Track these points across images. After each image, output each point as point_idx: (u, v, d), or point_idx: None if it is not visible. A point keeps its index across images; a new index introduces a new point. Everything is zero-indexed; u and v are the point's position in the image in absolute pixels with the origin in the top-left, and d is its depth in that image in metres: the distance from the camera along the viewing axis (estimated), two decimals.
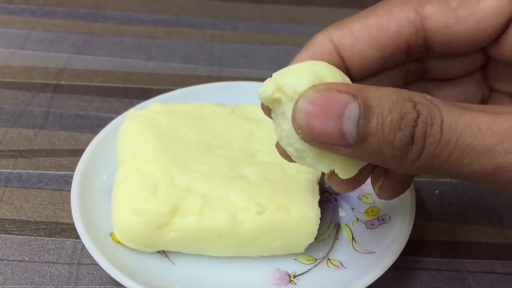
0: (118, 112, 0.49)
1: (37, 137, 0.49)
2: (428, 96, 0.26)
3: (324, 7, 0.72)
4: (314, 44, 0.30)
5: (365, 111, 0.24)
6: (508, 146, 0.24)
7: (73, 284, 0.38)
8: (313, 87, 0.25)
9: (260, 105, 0.45)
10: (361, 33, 0.30)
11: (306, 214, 0.38)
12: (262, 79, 0.53)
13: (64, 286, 0.38)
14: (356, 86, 0.25)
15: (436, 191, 0.46)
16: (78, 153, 0.43)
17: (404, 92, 0.25)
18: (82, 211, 0.39)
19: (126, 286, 0.35)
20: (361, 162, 0.29)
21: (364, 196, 0.44)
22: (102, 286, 0.38)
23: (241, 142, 0.42)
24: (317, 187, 0.40)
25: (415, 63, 0.32)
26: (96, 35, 0.64)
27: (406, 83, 0.33)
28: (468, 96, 0.33)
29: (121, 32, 0.65)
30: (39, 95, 0.54)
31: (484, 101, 0.33)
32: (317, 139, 0.25)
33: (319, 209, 0.38)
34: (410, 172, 0.27)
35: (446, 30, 0.29)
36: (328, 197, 0.44)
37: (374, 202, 0.43)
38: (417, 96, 0.25)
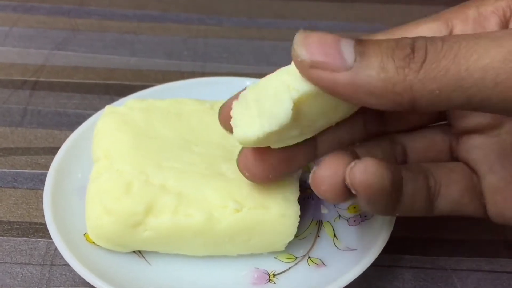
0: (98, 109, 0.48)
1: (14, 135, 0.48)
2: None
3: (311, 1, 0.71)
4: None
5: (360, 41, 0.25)
6: None
7: (45, 285, 0.37)
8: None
9: None
10: None
11: (285, 211, 0.37)
12: (245, 75, 0.54)
13: (36, 287, 0.37)
14: None
15: None
16: (55, 151, 0.42)
17: None
18: (54, 211, 0.38)
19: (98, 287, 0.34)
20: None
21: None
22: None
23: (219, 139, 0.41)
24: (297, 184, 0.39)
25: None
26: (78, 31, 0.63)
27: (368, 136, 0.35)
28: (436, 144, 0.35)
29: (104, 28, 0.64)
30: (17, 92, 0.53)
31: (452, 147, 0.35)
32: (315, 61, 0.25)
33: (298, 206, 0.37)
34: (420, 92, 0.25)
35: None
36: (310, 193, 0.43)
37: None
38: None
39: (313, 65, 0.25)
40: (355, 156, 0.31)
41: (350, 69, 0.25)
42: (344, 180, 0.29)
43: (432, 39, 0.25)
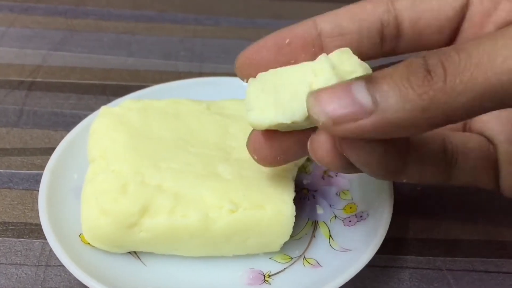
0: (94, 110, 0.48)
1: (10, 136, 0.48)
2: None
3: (309, 1, 0.71)
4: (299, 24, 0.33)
5: (370, 80, 0.25)
6: None
7: (40, 286, 0.37)
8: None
9: (235, 102, 0.45)
10: (343, 12, 0.32)
11: (281, 211, 0.37)
12: None
13: None
14: None
15: (418, 188, 0.45)
16: (51, 151, 0.42)
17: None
18: (50, 211, 0.38)
19: None
20: None
21: (343, 192, 0.43)
22: None
23: (216, 139, 0.41)
24: (292, 184, 0.39)
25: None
26: (75, 32, 0.63)
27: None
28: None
29: (101, 28, 0.64)
30: (14, 92, 0.53)
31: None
32: (336, 119, 0.25)
33: (294, 206, 0.37)
34: (452, 110, 0.24)
35: (413, 8, 0.31)
36: (306, 194, 0.43)
37: (352, 199, 0.42)
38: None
39: (336, 122, 0.25)
40: None
41: (372, 113, 0.24)
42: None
43: (444, 52, 0.24)
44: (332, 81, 0.27)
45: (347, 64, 0.28)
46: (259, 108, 0.30)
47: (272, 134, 0.32)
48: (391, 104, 0.24)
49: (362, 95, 0.24)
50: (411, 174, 0.30)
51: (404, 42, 0.32)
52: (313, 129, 0.30)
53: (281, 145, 0.32)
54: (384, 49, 0.33)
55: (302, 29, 0.32)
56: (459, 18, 0.31)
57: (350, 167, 0.29)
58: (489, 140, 0.33)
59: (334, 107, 0.24)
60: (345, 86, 0.25)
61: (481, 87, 0.23)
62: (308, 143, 0.30)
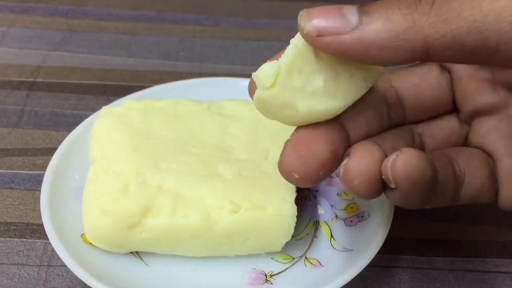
0: (95, 110, 0.48)
1: (11, 136, 0.48)
2: None
3: (308, 2, 0.71)
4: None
5: (362, 5, 0.25)
6: None
7: (42, 286, 0.37)
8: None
9: (236, 102, 0.45)
10: None
11: (282, 211, 0.37)
12: (243, 75, 0.54)
13: None
14: None
15: None
16: (52, 152, 0.42)
17: None
18: (51, 212, 0.38)
19: None
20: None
21: (344, 192, 0.43)
22: None
23: (217, 140, 0.41)
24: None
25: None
26: (75, 32, 0.63)
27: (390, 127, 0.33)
28: (451, 131, 0.34)
29: (100, 29, 0.64)
30: (14, 93, 0.53)
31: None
32: (320, 28, 0.25)
33: (295, 207, 0.37)
34: (432, 38, 0.24)
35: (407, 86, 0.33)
36: (307, 194, 0.43)
37: (353, 199, 0.42)
38: None
39: (319, 34, 0.25)
40: (382, 148, 0.29)
41: (355, 28, 0.25)
42: (378, 173, 0.27)
43: None
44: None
45: None
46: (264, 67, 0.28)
47: (304, 146, 0.29)
48: (373, 22, 0.24)
49: (351, 14, 0.25)
50: (434, 202, 0.30)
51: (410, 115, 0.33)
52: (340, 134, 0.30)
53: (317, 155, 0.29)
54: (391, 121, 0.33)
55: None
56: (448, 86, 0.33)
57: (380, 194, 0.29)
58: (489, 154, 0.32)
59: (321, 19, 0.25)
60: (338, 6, 0.25)
61: (465, 20, 0.23)
62: (341, 170, 0.29)
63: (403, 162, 0.26)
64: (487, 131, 0.32)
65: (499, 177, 0.32)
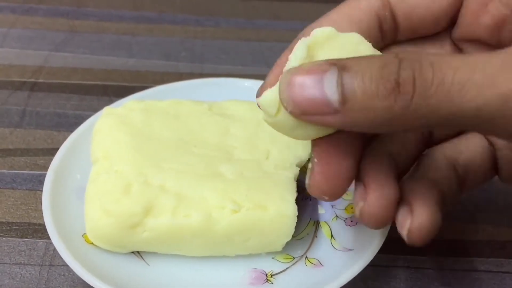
0: (96, 110, 0.48)
1: (13, 136, 0.48)
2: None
3: (308, 2, 0.71)
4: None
5: (344, 72, 0.24)
6: (504, 79, 0.23)
7: (43, 286, 0.37)
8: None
9: (237, 102, 0.45)
10: (338, 16, 0.32)
11: (283, 211, 0.37)
12: (243, 76, 0.54)
13: None
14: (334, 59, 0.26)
15: None
16: (54, 152, 0.42)
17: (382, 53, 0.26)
18: (53, 211, 0.38)
19: None
20: None
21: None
22: None
23: (218, 140, 0.42)
24: (294, 184, 0.39)
25: None
26: (76, 33, 0.63)
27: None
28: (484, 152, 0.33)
29: (101, 29, 0.64)
30: (16, 93, 0.53)
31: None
32: (303, 110, 0.25)
33: (296, 206, 0.37)
34: (410, 125, 0.25)
35: (404, 2, 0.32)
36: (308, 194, 0.43)
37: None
38: (395, 51, 0.26)
39: (303, 113, 0.26)
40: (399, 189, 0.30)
41: (338, 112, 0.25)
42: (392, 215, 0.30)
43: (420, 63, 0.24)
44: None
45: (332, 42, 0.28)
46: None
47: (328, 166, 0.30)
48: (356, 107, 0.24)
49: (331, 91, 0.24)
50: None
51: (402, 34, 0.33)
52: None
53: (345, 177, 0.30)
54: (385, 42, 0.33)
55: None
56: (455, 7, 0.32)
57: None
58: (489, 141, 0.33)
59: (302, 98, 0.25)
60: (318, 73, 0.25)
61: (442, 115, 0.24)
62: (357, 212, 0.30)
63: (418, 228, 0.29)
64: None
65: (499, 163, 0.33)
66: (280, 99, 0.26)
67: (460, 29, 0.32)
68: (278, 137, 0.42)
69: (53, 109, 0.52)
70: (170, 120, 0.43)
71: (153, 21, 0.66)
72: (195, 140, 0.41)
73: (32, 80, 0.55)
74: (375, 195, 0.29)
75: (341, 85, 0.24)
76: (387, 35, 0.33)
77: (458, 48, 0.33)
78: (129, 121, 0.42)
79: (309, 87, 0.25)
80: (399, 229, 0.30)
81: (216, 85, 0.50)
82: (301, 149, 0.41)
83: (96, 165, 0.40)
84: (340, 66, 0.25)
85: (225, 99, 0.46)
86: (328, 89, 0.24)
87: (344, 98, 0.24)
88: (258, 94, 0.31)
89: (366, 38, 0.29)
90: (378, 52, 0.29)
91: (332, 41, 0.28)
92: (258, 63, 0.60)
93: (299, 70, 0.25)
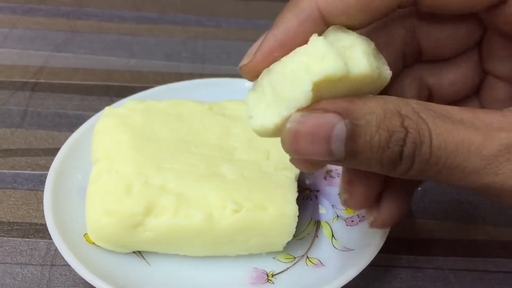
0: (97, 110, 0.48)
1: (14, 136, 0.48)
2: (416, 106, 0.25)
3: None
4: (300, 8, 0.28)
5: (352, 131, 0.24)
6: (495, 168, 0.25)
7: (45, 286, 0.37)
8: (299, 110, 0.25)
9: (237, 102, 0.45)
10: None
11: (284, 211, 0.37)
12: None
13: (36, 287, 0.37)
14: (343, 101, 0.25)
15: (419, 188, 0.46)
16: (55, 152, 0.42)
17: (391, 104, 0.25)
18: (55, 211, 0.38)
19: (98, 287, 0.34)
20: None
21: None
22: None
23: (218, 140, 0.42)
24: (295, 184, 0.39)
25: (412, 46, 0.32)
26: (77, 33, 0.63)
27: (404, 67, 0.33)
28: (464, 81, 0.33)
29: (103, 30, 0.64)
30: (17, 93, 0.53)
31: (479, 84, 0.33)
32: (305, 158, 0.26)
33: (297, 207, 0.37)
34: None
35: None
36: (308, 194, 0.44)
37: None
38: (405, 108, 0.25)
39: (304, 158, 0.26)
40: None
41: (340, 162, 0.26)
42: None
43: (422, 141, 0.25)
44: (330, 56, 0.25)
45: (345, 39, 0.27)
46: (261, 111, 0.28)
47: (357, 188, 0.32)
48: (358, 164, 0.26)
49: (338, 150, 0.25)
50: None
51: (425, 57, 0.32)
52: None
53: (372, 194, 0.32)
54: (405, 64, 0.32)
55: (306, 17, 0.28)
56: (479, 34, 0.31)
57: None
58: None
59: (307, 148, 0.25)
60: (326, 129, 0.25)
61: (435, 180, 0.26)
62: (341, 199, 0.33)
63: (380, 223, 0.33)
64: None
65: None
66: (283, 147, 0.26)
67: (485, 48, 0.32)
68: (278, 138, 0.42)
69: (54, 109, 0.52)
70: (171, 120, 0.43)
71: (154, 22, 0.66)
72: (196, 140, 0.41)
73: (33, 80, 0.55)
74: (359, 192, 0.31)
75: (347, 145, 0.25)
76: (409, 59, 0.32)
77: (482, 69, 0.33)
78: (130, 121, 0.42)
79: (316, 144, 0.25)
80: (366, 214, 0.33)
81: (216, 85, 0.50)
82: None
83: (97, 165, 0.40)
84: (349, 121, 0.24)
85: (226, 99, 0.46)
86: (335, 146, 0.25)
87: (349, 155, 0.25)
88: (241, 64, 0.30)
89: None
90: (364, 37, 0.27)
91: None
92: None
93: (306, 121, 0.25)
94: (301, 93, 0.25)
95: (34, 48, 0.60)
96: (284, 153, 0.40)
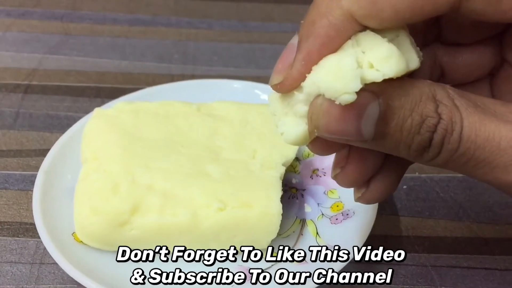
0: (89, 112, 0.49)
1: (6, 137, 0.49)
2: (451, 92, 0.25)
3: (301, 4, 0.72)
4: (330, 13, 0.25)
5: (386, 112, 0.24)
6: None
7: (34, 283, 0.38)
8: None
9: (225, 103, 0.46)
10: None
11: (268, 209, 0.38)
12: (235, 77, 0.55)
13: (25, 285, 0.38)
14: (380, 84, 0.24)
15: (404, 186, 0.46)
16: (46, 153, 0.43)
17: (427, 88, 0.25)
18: (43, 211, 0.39)
19: (85, 285, 0.35)
20: None
21: (330, 191, 0.44)
22: (63, 286, 0.38)
23: (205, 140, 0.42)
24: (280, 183, 0.40)
25: (432, 27, 0.31)
26: (71, 36, 0.64)
27: (422, 45, 0.31)
28: (480, 64, 0.32)
29: (95, 32, 0.65)
30: (10, 95, 0.54)
31: (494, 69, 0.32)
32: (333, 136, 0.25)
33: (281, 205, 0.38)
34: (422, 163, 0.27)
35: None
36: (294, 193, 0.44)
37: (339, 197, 0.43)
38: (440, 93, 0.25)
39: (331, 136, 0.25)
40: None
41: (366, 142, 0.25)
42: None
43: (452, 129, 0.24)
44: (395, 55, 0.24)
45: (386, 34, 0.25)
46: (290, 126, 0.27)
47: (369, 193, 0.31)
48: (384, 147, 0.25)
49: (368, 128, 0.24)
50: None
51: (448, 81, 0.32)
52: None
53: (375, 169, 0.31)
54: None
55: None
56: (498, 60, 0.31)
57: None
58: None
59: (337, 129, 0.24)
60: (359, 108, 0.24)
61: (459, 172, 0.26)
62: (333, 174, 0.31)
63: (366, 199, 0.31)
64: None
65: None
66: (312, 122, 0.25)
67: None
68: (265, 137, 0.43)
69: (46, 111, 0.52)
70: (159, 121, 0.43)
71: (147, 24, 0.67)
72: (183, 140, 0.42)
73: (26, 82, 0.56)
74: (351, 167, 0.30)
75: (378, 126, 0.24)
76: (428, 37, 0.31)
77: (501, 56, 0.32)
78: (118, 122, 0.43)
79: (347, 121, 0.24)
80: (354, 188, 0.31)
81: (206, 86, 0.51)
82: (287, 149, 0.42)
83: (86, 165, 0.41)
84: (384, 101, 0.24)
85: (215, 100, 0.47)
86: (365, 125, 0.24)
87: (377, 136, 0.25)
88: (271, 82, 0.27)
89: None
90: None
91: None
92: (250, 65, 0.61)
93: (333, 107, 0.24)
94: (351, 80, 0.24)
95: (27, 50, 0.61)
96: (270, 152, 0.42)
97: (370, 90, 0.24)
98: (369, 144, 0.25)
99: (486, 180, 0.25)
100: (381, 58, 0.24)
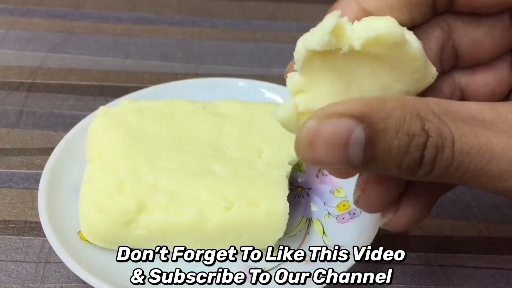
0: (93, 110, 0.49)
1: (10, 136, 0.49)
2: (435, 107, 0.24)
3: (305, 3, 0.72)
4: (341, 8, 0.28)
5: (371, 136, 0.23)
6: None
7: (39, 282, 0.38)
8: (313, 115, 0.24)
9: (230, 102, 0.45)
10: None
11: (274, 209, 0.38)
12: (239, 76, 0.54)
13: (31, 284, 0.38)
14: (360, 105, 0.24)
15: None
16: (50, 151, 0.43)
17: (410, 106, 0.24)
18: (49, 210, 0.38)
19: (91, 284, 0.35)
20: None
21: (337, 190, 0.43)
22: (69, 285, 0.38)
23: (211, 138, 0.42)
24: (286, 182, 0.40)
25: (448, 49, 0.30)
26: (74, 34, 0.64)
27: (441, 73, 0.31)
28: (499, 81, 0.31)
29: (99, 31, 0.65)
30: (13, 94, 0.54)
31: None
32: (321, 166, 0.26)
33: (287, 204, 0.38)
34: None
35: None
36: (300, 192, 0.44)
37: (346, 196, 0.43)
38: (424, 110, 0.24)
39: (319, 166, 0.25)
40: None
41: (357, 168, 0.24)
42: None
43: (443, 145, 0.24)
44: (391, 22, 0.25)
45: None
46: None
47: (373, 197, 0.30)
48: (374, 170, 0.25)
49: (356, 157, 0.24)
50: None
51: (462, 63, 0.31)
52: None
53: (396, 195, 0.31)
54: (442, 69, 0.31)
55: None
56: None
57: None
58: None
59: (324, 156, 0.24)
60: (344, 136, 0.23)
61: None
62: (355, 196, 0.30)
63: (394, 226, 0.30)
64: None
65: None
66: (298, 156, 0.25)
67: None
68: (270, 136, 0.43)
69: (49, 109, 0.52)
70: (164, 120, 0.43)
71: (150, 22, 0.67)
72: (189, 139, 0.42)
73: (30, 80, 0.56)
74: (372, 189, 0.30)
75: (366, 151, 0.24)
76: (446, 63, 0.31)
77: None
78: (123, 120, 0.42)
79: (333, 151, 0.24)
80: (380, 215, 0.31)
81: (210, 85, 0.51)
82: (293, 147, 0.42)
83: (91, 164, 0.40)
84: (367, 126, 0.23)
85: (220, 98, 0.47)
86: (352, 152, 0.24)
87: (367, 161, 0.24)
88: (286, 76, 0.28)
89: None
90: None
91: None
92: (254, 64, 0.61)
93: (321, 129, 0.23)
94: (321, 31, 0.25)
95: (30, 49, 0.61)
96: (276, 151, 0.41)
97: (351, 115, 0.23)
98: (360, 169, 0.25)
99: (486, 189, 0.25)
100: (376, 20, 0.25)
